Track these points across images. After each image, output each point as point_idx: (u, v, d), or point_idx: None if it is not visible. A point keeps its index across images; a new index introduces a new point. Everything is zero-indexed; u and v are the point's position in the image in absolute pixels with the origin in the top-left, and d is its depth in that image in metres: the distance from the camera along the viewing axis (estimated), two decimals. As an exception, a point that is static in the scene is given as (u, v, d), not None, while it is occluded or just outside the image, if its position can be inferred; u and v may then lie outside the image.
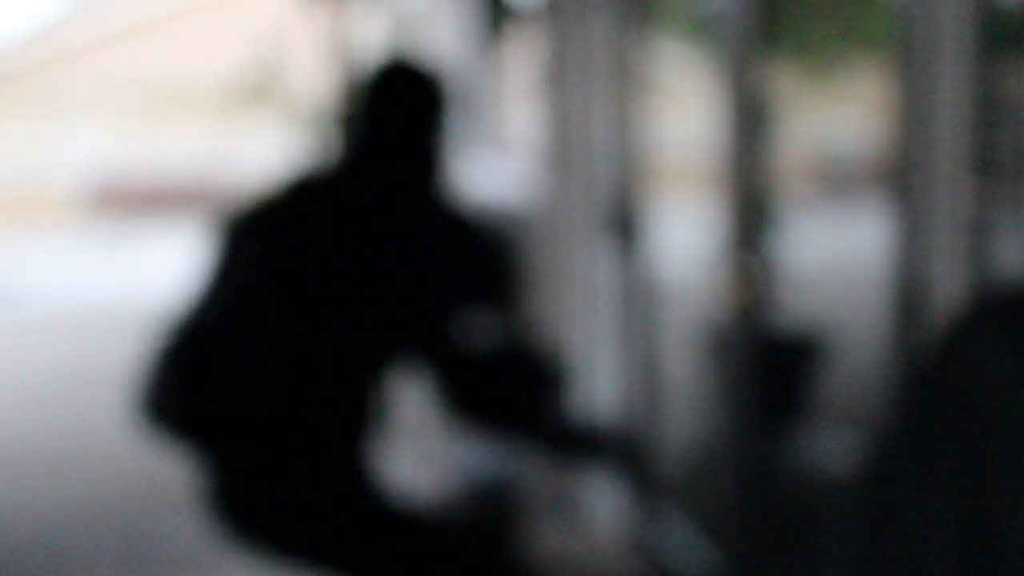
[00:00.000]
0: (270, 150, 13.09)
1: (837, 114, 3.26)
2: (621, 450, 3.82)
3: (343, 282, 2.37)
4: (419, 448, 4.51)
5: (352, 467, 2.43)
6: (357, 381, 2.40)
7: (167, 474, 5.53)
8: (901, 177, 2.21)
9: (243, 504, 2.44)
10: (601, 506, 4.39)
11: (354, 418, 2.42)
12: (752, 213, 2.94)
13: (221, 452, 2.41)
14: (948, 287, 2.08)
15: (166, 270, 12.51)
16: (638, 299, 3.96)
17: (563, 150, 4.44)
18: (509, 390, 2.49)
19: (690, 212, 4.13)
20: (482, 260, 2.89)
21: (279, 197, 2.47)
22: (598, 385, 4.40)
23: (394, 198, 2.40)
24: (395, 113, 2.43)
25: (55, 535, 4.70)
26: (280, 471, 2.40)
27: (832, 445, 3.26)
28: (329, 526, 2.42)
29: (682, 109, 4.28)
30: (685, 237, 4.16)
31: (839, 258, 3.13)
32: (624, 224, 3.87)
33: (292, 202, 2.45)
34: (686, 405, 4.14)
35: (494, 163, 5.57)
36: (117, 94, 16.62)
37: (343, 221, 2.40)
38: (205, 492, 2.48)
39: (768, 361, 3.04)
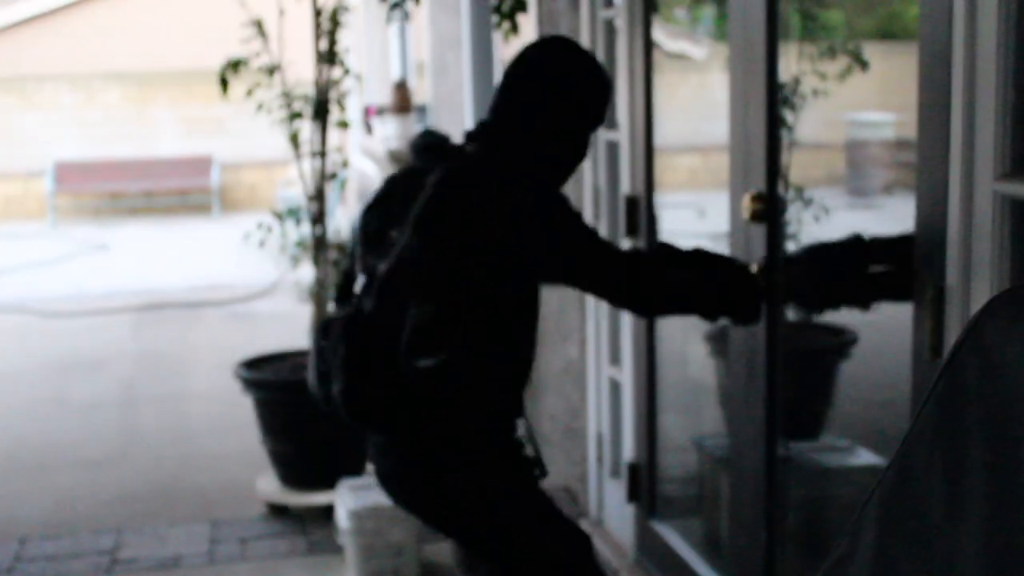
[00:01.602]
0: (258, 135, 13.00)
1: (859, 98, 3.28)
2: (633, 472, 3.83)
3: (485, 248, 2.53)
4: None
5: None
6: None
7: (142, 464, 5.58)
8: (924, 165, 2.24)
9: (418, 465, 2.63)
10: (611, 510, 4.43)
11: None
12: (768, 201, 2.96)
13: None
14: (970, 276, 2.11)
15: (136, 259, 12.54)
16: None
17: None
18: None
19: (701, 202, 4.16)
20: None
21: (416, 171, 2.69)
22: (619, 377, 4.43)
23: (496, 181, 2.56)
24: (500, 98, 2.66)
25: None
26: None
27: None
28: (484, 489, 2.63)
29: (695, 93, 4.31)
30: (698, 227, 4.18)
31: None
32: (635, 216, 3.89)
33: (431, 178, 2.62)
34: (695, 400, 4.17)
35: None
36: (104, 77, 16.59)
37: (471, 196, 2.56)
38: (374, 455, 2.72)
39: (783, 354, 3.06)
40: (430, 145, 2.68)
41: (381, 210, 2.69)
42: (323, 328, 2.69)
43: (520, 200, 2.50)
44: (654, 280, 2.60)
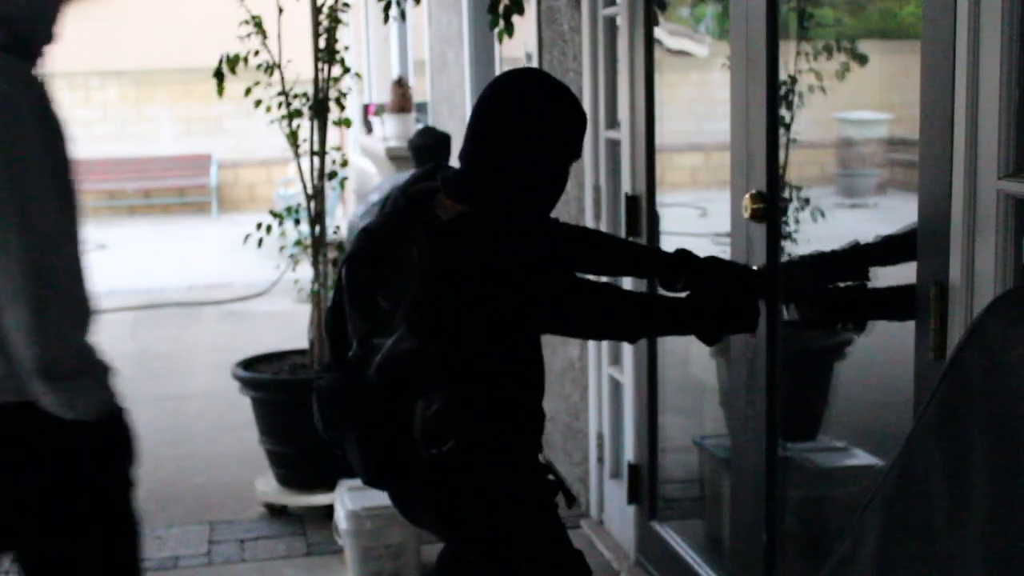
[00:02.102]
0: (257, 134, 12.96)
1: (853, 97, 3.28)
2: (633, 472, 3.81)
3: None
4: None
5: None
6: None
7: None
8: (926, 163, 2.24)
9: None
10: (612, 511, 4.43)
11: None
12: (769, 201, 2.96)
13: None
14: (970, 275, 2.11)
15: (134, 259, 12.54)
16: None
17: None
18: None
19: (702, 201, 4.16)
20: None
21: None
22: (621, 379, 4.43)
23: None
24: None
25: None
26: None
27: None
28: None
29: (697, 91, 4.31)
30: (699, 226, 4.18)
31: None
32: (636, 215, 3.89)
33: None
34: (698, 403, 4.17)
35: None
36: (102, 75, 16.59)
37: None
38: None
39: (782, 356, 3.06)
40: (413, 194, 2.59)
41: (368, 270, 2.60)
42: (328, 397, 2.66)
43: (511, 274, 2.44)
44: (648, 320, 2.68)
